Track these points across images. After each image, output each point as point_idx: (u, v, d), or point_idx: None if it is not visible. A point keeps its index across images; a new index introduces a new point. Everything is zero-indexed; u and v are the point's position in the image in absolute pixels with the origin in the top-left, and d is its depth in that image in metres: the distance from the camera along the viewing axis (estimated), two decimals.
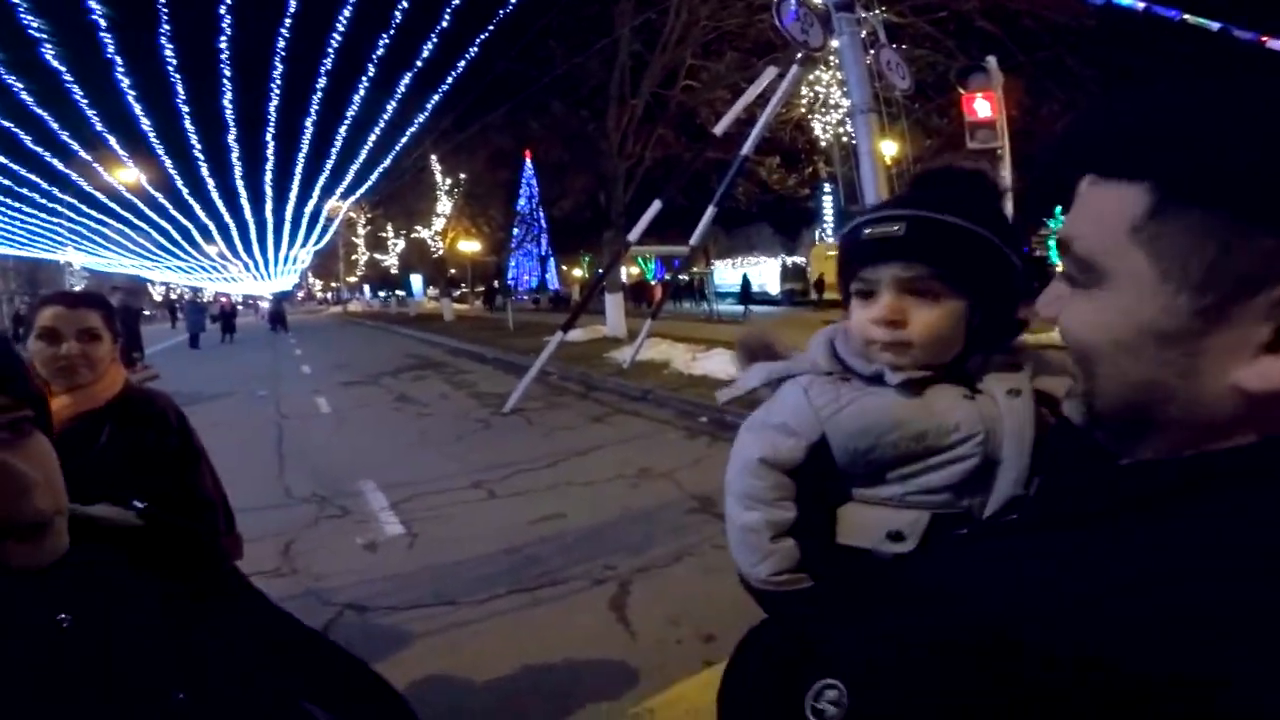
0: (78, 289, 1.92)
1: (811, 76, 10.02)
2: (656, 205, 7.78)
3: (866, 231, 0.75)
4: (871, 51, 5.52)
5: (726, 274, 31.74)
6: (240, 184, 45.72)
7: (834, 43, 5.47)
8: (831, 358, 0.82)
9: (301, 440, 6.87)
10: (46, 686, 0.61)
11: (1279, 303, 0.38)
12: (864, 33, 5.51)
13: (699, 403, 6.79)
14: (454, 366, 12.48)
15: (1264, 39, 6.86)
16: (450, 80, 18.39)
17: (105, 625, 0.68)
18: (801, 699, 0.48)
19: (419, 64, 19.98)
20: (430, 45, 18.54)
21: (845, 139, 10.19)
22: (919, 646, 0.42)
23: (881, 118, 5.77)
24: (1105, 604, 0.36)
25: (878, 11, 5.66)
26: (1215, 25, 7.05)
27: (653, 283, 31.70)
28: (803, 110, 12.60)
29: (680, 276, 21.59)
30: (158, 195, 44.42)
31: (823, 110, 12.50)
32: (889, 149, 8.81)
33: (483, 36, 15.41)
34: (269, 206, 53.16)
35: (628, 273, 31.15)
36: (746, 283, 27.02)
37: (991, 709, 0.36)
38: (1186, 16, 7.04)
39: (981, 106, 5.16)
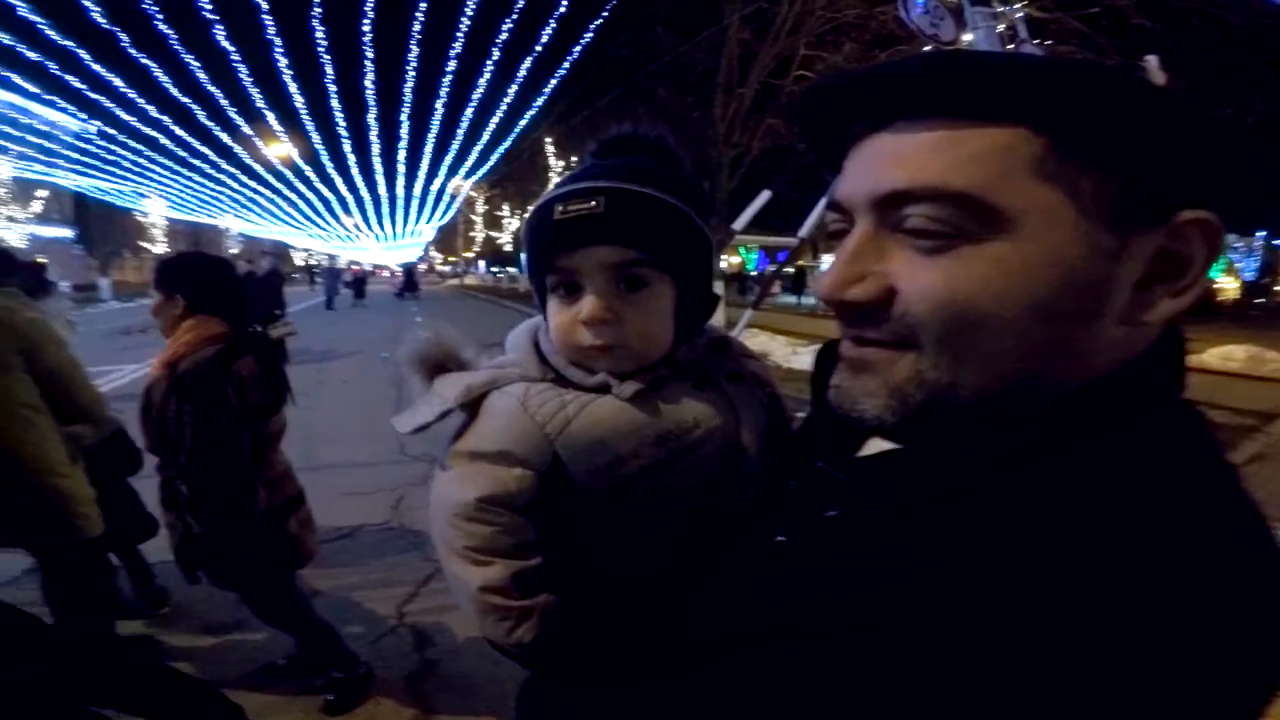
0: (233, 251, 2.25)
1: None
2: (765, 195, 7.69)
3: (560, 209, 0.61)
4: (1010, 47, 5.19)
5: None
6: (377, 160, 49.24)
7: (966, 36, 5.18)
8: (540, 363, 0.68)
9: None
10: None
11: (1174, 233, 0.40)
12: (1001, 27, 5.18)
13: (798, 398, 6.71)
14: None
15: None
16: (565, 65, 18.94)
17: None
18: None
19: (538, 49, 20.68)
20: (549, 31, 19.15)
21: None
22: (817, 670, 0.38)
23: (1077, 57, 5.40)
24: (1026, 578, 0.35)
25: (1017, 5, 5.28)
26: None
27: (753, 273, 31.26)
28: None
29: (786, 269, 21.15)
30: (305, 168, 48.71)
31: None
32: None
33: (596, 22, 15.72)
34: (400, 182, 56.97)
35: (728, 262, 30.91)
36: None
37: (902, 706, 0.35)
38: None
39: None
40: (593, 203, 0.60)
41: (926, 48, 5.47)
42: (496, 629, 0.63)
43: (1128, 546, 0.35)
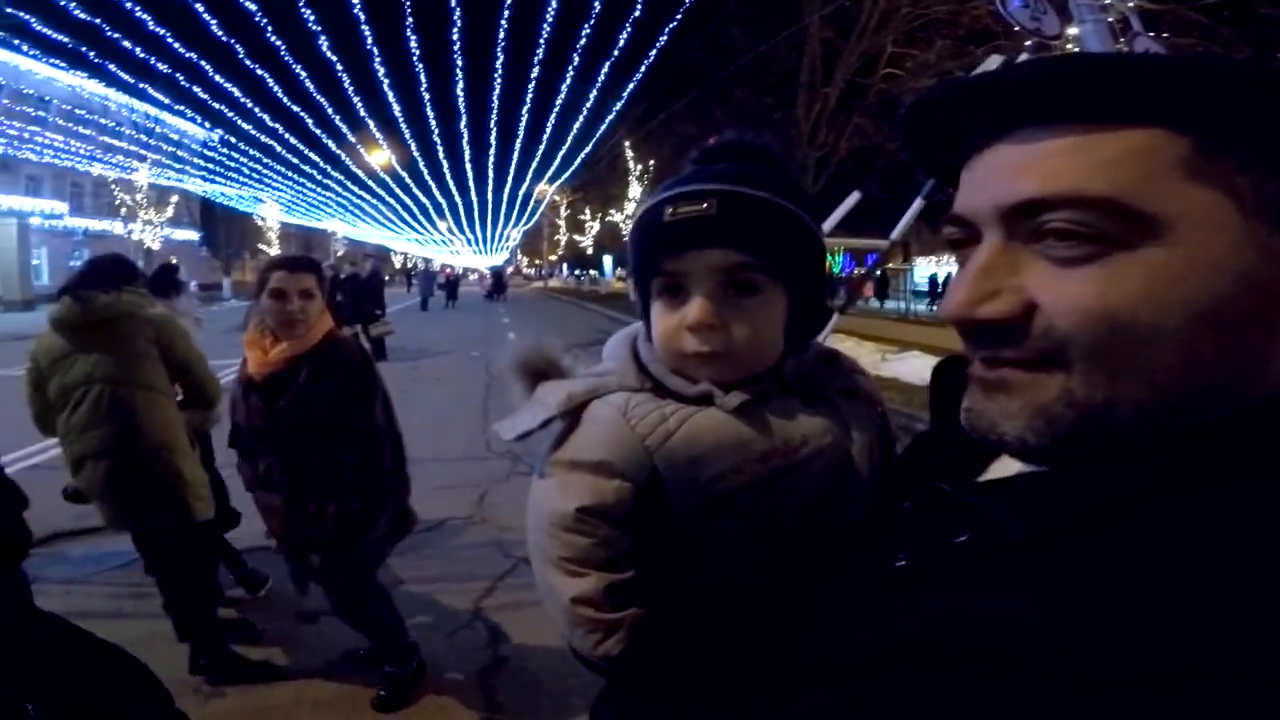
0: (299, 255, 2.33)
1: None
2: (855, 196, 7.48)
3: (670, 211, 0.60)
4: (1122, 41, 4.83)
5: (926, 271, 29.67)
6: (468, 167, 51.35)
7: (1072, 30, 4.86)
8: (639, 372, 0.66)
9: (504, 399, 7.71)
10: None
11: None
12: (1111, 19, 4.83)
13: (889, 407, 6.53)
14: None
15: None
16: (643, 69, 19.16)
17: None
18: None
19: (616, 53, 21.01)
20: (625, 34, 19.42)
21: None
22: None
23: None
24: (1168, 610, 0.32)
25: None
26: None
27: (840, 276, 30.44)
28: None
29: (877, 271, 20.50)
30: (404, 175, 51.42)
31: None
32: None
33: (671, 25, 15.81)
34: (489, 189, 59.23)
35: None
36: (934, 283, 24.97)
37: None
38: None
39: None
40: (704, 204, 0.59)
41: (1028, 43, 5.18)
42: (585, 641, 0.62)
43: None
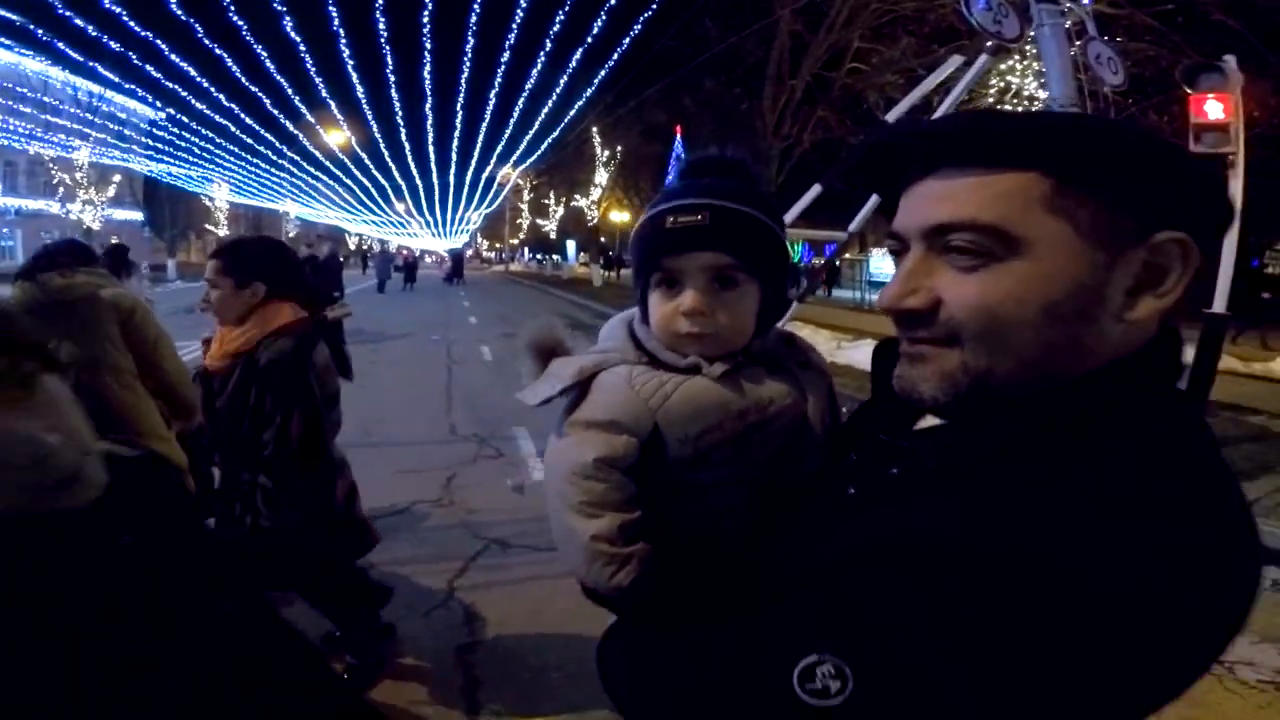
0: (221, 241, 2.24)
1: (1003, 66, 9.20)
2: (816, 189, 7.63)
3: (671, 220, 0.75)
4: (1078, 44, 5.02)
5: (883, 264, 30.32)
6: (431, 149, 50.17)
7: (1032, 32, 5.04)
8: (636, 348, 0.80)
9: (467, 383, 7.65)
10: (111, 599, 0.67)
11: (1153, 249, 0.51)
12: (1069, 23, 5.02)
13: (843, 393, 6.70)
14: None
15: None
16: (615, 57, 19.06)
17: (161, 542, 0.73)
18: (776, 688, 0.49)
19: (588, 40, 20.81)
20: (599, 22, 19.24)
21: None
22: (902, 585, 0.48)
23: (1085, 113, 5.28)
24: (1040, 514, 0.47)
25: (1087, 2, 5.09)
26: None
27: (801, 266, 30.95)
28: (990, 100, 11.62)
29: (836, 261, 20.91)
30: (362, 156, 49.96)
31: (1014, 101, 11.45)
32: None
33: (645, 15, 15.75)
34: (452, 171, 57.93)
35: None
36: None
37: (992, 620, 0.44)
38: None
39: (1213, 108, 4.42)
40: (699, 216, 0.74)
41: (989, 44, 5.34)
42: (601, 574, 0.72)
43: (1121, 492, 0.47)
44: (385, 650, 2.41)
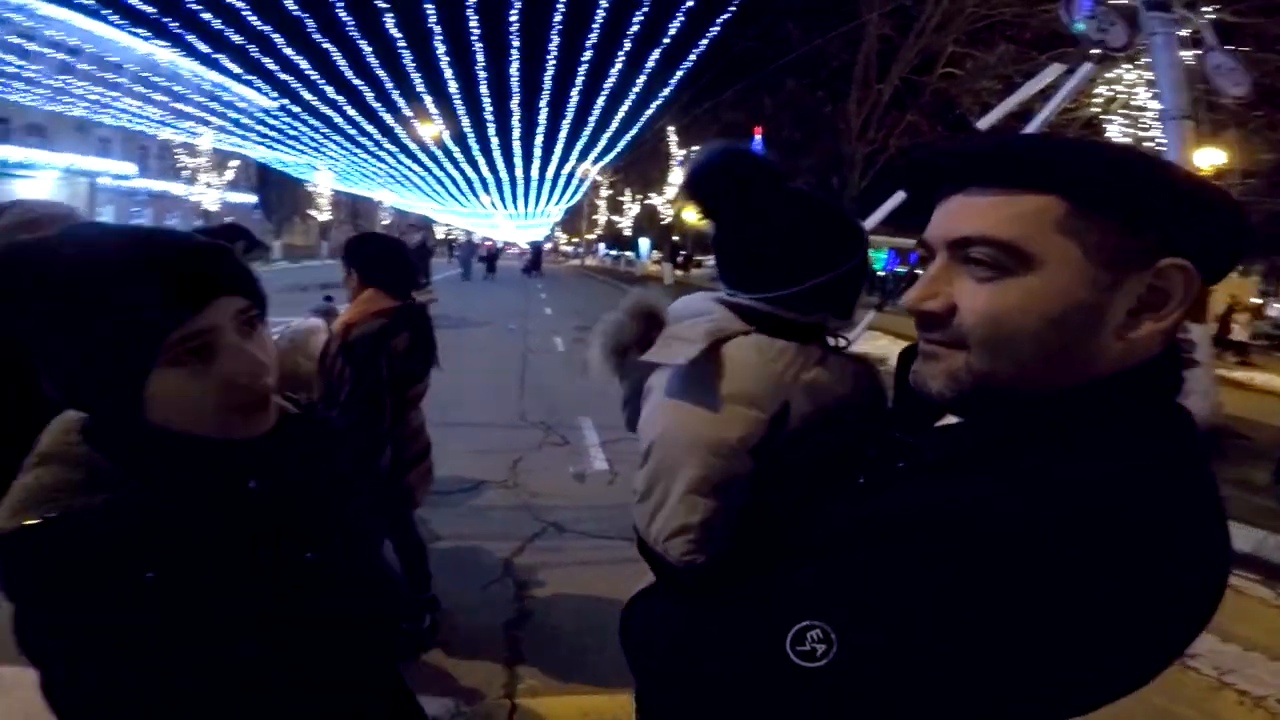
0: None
1: (1110, 74, 8.66)
2: (899, 196, 7.43)
3: None
4: (1196, 53, 4.70)
5: None
6: (516, 143, 51.61)
7: (1144, 42, 4.75)
8: (741, 320, 0.79)
9: (539, 372, 7.92)
10: (228, 541, 0.69)
11: (1157, 274, 0.54)
12: (1185, 32, 4.70)
13: None
14: None
15: None
16: (693, 57, 19.06)
17: (286, 493, 0.74)
18: (769, 647, 0.54)
19: (666, 40, 20.92)
20: (678, 23, 19.31)
21: (1150, 144, 8.69)
22: (891, 563, 0.53)
23: (1203, 125, 4.92)
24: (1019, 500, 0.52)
25: (1205, 9, 4.75)
26: None
27: (881, 273, 30.05)
28: (1095, 110, 10.93)
29: (917, 271, 20.15)
30: (452, 148, 51.95)
31: (1122, 111, 10.72)
32: (1214, 158, 7.26)
33: (724, 16, 15.66)
34: (535, 165, 59.45)
35: None
36: None
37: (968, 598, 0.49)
38: None
39: None
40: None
41: (1093, 52, 5.08)
42: (681, 547, 0.72)
43: (1094, 484, 0.51)
44: (436, 619, 2.55)
